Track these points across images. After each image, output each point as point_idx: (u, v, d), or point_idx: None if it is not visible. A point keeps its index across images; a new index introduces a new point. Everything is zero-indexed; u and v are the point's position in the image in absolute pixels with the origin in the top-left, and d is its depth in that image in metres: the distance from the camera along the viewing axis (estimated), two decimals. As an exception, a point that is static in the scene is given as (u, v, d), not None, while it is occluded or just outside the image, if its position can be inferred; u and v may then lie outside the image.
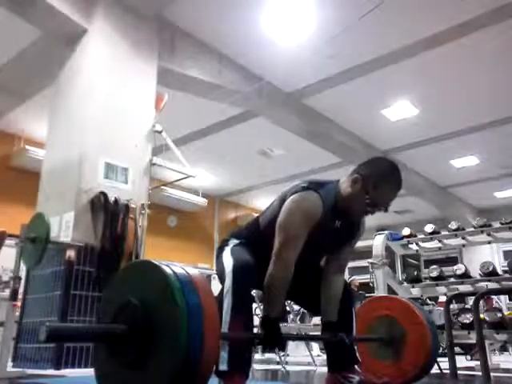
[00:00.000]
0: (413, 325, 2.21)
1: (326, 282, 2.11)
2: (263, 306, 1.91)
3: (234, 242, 2.09)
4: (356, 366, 2.07)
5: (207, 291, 1.33)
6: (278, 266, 1.84)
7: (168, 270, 1.30)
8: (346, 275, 11.58)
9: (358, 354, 2.11)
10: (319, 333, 2.18)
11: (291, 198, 1.92)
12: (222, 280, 1.90)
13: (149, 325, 1.27)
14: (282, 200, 1.97)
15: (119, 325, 1.32)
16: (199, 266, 10.03)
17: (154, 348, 1.25)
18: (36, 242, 3.06)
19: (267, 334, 1.82)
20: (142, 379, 1.28)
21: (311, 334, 2.01)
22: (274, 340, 1.84)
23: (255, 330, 2.23)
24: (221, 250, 2.06)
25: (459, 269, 4.19)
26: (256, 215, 2.23)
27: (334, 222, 1.98)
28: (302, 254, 1.92)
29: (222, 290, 1.86)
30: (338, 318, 2.07)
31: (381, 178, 1.91)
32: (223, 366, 1.75)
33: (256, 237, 2.07)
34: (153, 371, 1.25)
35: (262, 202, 10.73)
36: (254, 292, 3.27)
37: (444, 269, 4.40)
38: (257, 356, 5.58)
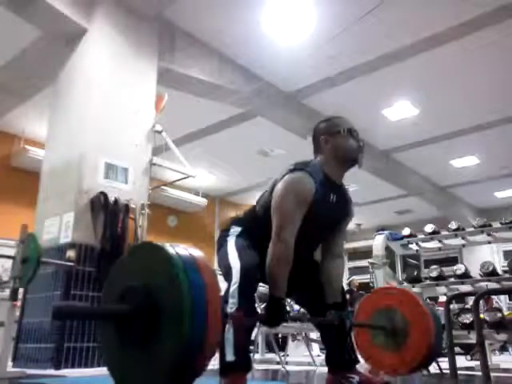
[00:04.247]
0: (417, 316, 2.21)
1: (326, 264, 2.13)
2: (269, 289, 1.91)
3: (235, 229, 2.08)
4: (356, 367, 2.08)
5: (210, 272, 1.33)
6: (277, 247, 1.88)
7: (171, 251, 1.31)
8: (346, 275, 11.55)
9: (357, 354, 2.12)
10: (319, 333, 2.19)
11: (281, 181, 1.97)
12: (226, 275, 1.91)
13: (152, 305, 1.28)
14: (273, 186, 2.02)
15: (123, 305, 1.33)
16: (199, 266, 10.04)
17: (158, 328, 1.26)
18: (27, 262, 3.03)
19: (271, 312, 1.85)
20: (146, 358, 1.29)
21: (313, 318, 2.01)
22: (278, 317, 1.85)
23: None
24: (223, 239, 2.06)
25: (459, 269, 4.18)
26: (253, 204, 2.25)
27: (329, 197, 2.02)
28: (306, 238, 1.96)
29: (228, 288, 1.87)
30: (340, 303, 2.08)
31: (333, 125, 2.11)
32: (229, 357, 1.75)
33: (254, 223, 2.09)
34: (156, 350, 1.26)
35: (262, 202, 10.73)
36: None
37: (444, 269, 4.40)
38: (257, 356, 5.58)
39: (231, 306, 1.79)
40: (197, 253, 1.37)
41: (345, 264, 2.19)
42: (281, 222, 1.90)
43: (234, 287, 1.82)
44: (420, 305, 2.25)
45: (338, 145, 2.05)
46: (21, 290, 3.48)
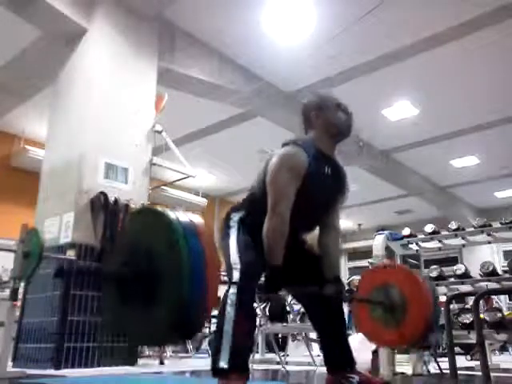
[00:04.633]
0: (415, 292, 2.23)
1: (322, 237, 2.16)
2: (266, 260, 1.91)
3: (235, 217, 2.06)
4: (356, 367, 2.08)
5: (209, 237, 1.38)
6: (273, 220, 1.90)
7: (172, 216, 1.35)
8: (346, 275, 11.55)
9: (353, 355, 2.11)
10: (317, 334, 2.19)
11: (274, 156, 2.01)
12: (227, 272, 1.91)
13: (153, 268, 1.31)
14: (267, 162, 2.05)
15: (125, 268, 1.37)
16: (199, 266, 10.04)
17: (158, 290, 1.30)
18: (29, 257, 3.02)
19: (269, 278, 1.86)
20: (147, 318, 1.32)
21: (312, 291, 2.04)
22: (277, 283, 1.87)
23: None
24: (225, 231, 2.05)
25: (459, 269, 4.18)
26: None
27: (323, 169, 2.04)
28: (305, 214, 1.97)
29: (228, 288, 1.87)
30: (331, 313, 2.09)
31: (322, 100, 2.16)
32: (223, 363, 1.74)
33: (253, 205, 2.08)
34: (156, 311, 1.29)
35: (262, 202, 10.73)
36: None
37: (444, 269, 4.40)
38: (257, 356, 5.58)
39: (229, 309, 1.79)
40: (197, 219, 1.40)
41: (340, 237, 2.23)
42: (275, 196, 1.92)
43: (233, 290, 1.82)
44: (418, 281, 2.28)
45: (328, 119, 2.11)
46: (21, 290, 3.48)
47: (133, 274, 1.34)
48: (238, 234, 2.01)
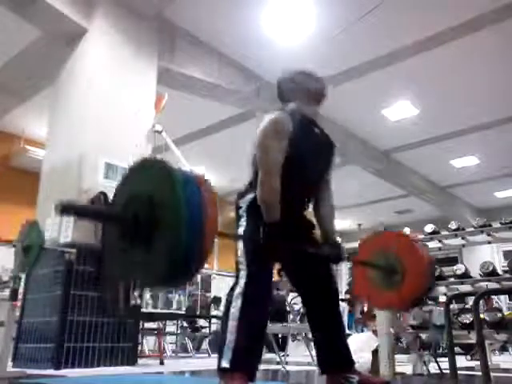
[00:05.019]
0: (412, 258, 2.27)
1: (317, 212, 2.24)
2: (264, 216, 1.93)
3: (244, 206, 2.06)
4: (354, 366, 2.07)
5: (208, 187, 1.42)
6: (263, 177, 1.93)
7: (173, 166, 1.41)
8: (346, 275, 11.52)
9: (352, 356, 2.11)
10: (313, 334, 2.20)
11: (261, 123, 2.07)
12: (236, 268, 1.94)
13: (153, 213, 1.37)
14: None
15: (127, 212, 1.43)
16: (199, 266, 10.01)
17: (157, 233, 1.35)
18: (29, 249, 3.04)
19: (269, 234, 1.86)
20: (146, 261, 1.38)
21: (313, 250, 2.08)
22: (274, 241, 1.86)
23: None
24: (237, 222, 2.07)
25: (459, 269, 4.18)
26: None
27: (312, 129, 2.15)
28: (299, 175, 2.02)
29: (234, 287, 1.88)
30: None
31: (294, 74, 2.28)
32: (225, 363, 1.74)
33: (254, 183, 2.08)
34: (155, 255, 1.35)
35: (262, 202, 10.73)
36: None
37: (444, 269, 4.40)
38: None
39: (233, 310, 1.79)
40: (198, 171, 1.49)
41: (333, 209, 2.28)
42: (262, 155, 1.97)
43: (239, 290, 1.83)
44: (415, 247, 2.32)
45: (305, 87, 2.23)
46: (21, 290, 3.48)
47: (133, 215, 1.40)
48: (246, 225, 2.00)
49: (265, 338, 2.01)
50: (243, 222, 2.02)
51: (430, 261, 2.33)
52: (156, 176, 1.44)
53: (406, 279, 2.22)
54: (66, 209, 1.34)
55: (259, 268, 1.90)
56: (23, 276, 3.77)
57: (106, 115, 4.30)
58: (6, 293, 3.71)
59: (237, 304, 1.81)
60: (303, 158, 2.04)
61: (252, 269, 1.88)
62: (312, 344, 5.90)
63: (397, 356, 3.48)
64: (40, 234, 3.04)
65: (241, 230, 2.00)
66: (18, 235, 3.19)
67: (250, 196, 2.04)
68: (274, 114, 2.07)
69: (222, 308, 8.57)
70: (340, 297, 2.39)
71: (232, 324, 1.79)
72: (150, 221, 1.36)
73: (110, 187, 4.05)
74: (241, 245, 1.96)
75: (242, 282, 1.86)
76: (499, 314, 3.56)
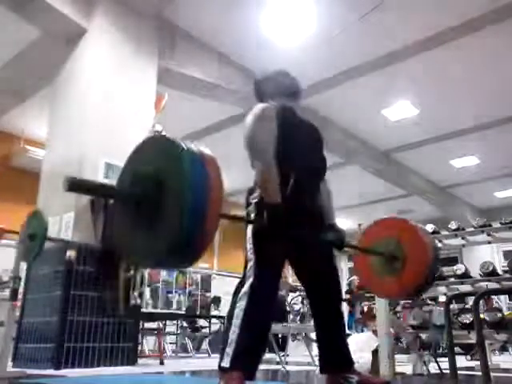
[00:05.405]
0: (415, 244, 2.25)
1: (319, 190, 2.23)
2: (264, 200, 1.94)
3: (253, 202, 2.06)
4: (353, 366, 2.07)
5: (215, 165, 1.44)
6: (258, 164, 1.95)
7: (180, 143, 1.41)
8: (346, 275, 11.55)
9: (351, 356, 2.11)
10: (316, 332, 2.20)
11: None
12: (244, 265, 1.94)
13: (159, 190, 1.37)
14: None
15: (133, 188, 1.43)
16: (200, 266, 10.02)
17: (163, 211, 1.35)
18: (34, 238, 3.06)
19: (270, 218, 1.84)
20: (151, 235, 1.38)
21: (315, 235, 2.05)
22: (277, 222, 1.85)
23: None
24: (246, 217, 2.08)
25: (459, 269, 4.18)
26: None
27: (296, 118, 2.23)
28: (293, 157, 2.03)
29: (239, 286, 1.88)
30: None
31: (269, 76, 2.49)
32: (224, 363, 1.75)
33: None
34: (160, 229, 1.35)
35: (262, 202, 10.73)
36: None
37: (444, 269, 4.40)
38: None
39: (237, 311, 1.79)
40: (205, 149, 1.49)
41: (330, 194, 2.31)
42: (252, 143, 1.99)
43: (243, 291, 1.84)
44: (418, 234, 2.30)
45: (281, 86, 2.37)
46: (21, 290, 3.48)
47: (140, 193, 1.40)
48: (254, 229, 2.01)
49: (267, 339, 2.00)
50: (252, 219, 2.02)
51: (433, 247, 2.32)
52: (163, 153, 1.44)
53: (407, 265, 2.20)
54: (73, 184, 1.34)
55: (267, 267, 1.90)
56: (23, 276, 3.77)
57: (106, 115, 4.30)
58: (6, 293, 3.71)
59: (241, 304, 1.81)
60: (295, 140, 2.07)
61: (260, 268, 1.88)
62: (312, 344, 5.91)
63: (397, 356, 3.49)
64: (43, 223, 3.06)
65: (250, 228, 2.00)
66: (22, 226, 3.20)
67: (258, 192, 2.04)
68: (257, 104, 2.15)
69: (222, 308, 8.56)
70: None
71: (235, 323, 1.79)
72: (154, 201, 1.36)
73: (109, 187, 4.06)
74: (249, 242, 1.96)
75: (248, 281, 1.86)
76: (499, 314, 3.56)
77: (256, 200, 2.03)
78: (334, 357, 2.07)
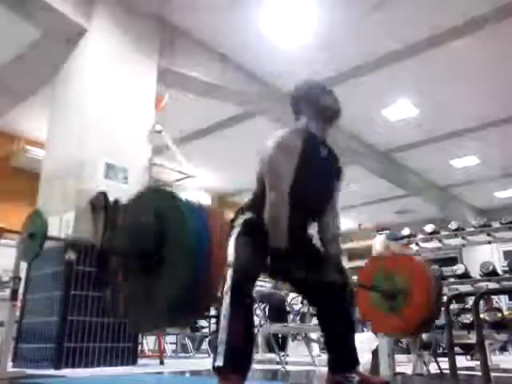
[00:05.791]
0: (417, 279, 2.23)
1: (323, 226, 2.20)
2: (269, 240, 1.89)
3: (240, 220, 2.05)
4: (357, 367, 2.07)
5: (216, 217, 1.41)
6: (272, 198, 1.90)
7: (181, 197, 1.40)
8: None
9: (358, 355, 2.11)
10: (320, 333, 2.19)
11: (268, 142, 2.03)
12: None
13: (159, 245, 1.34)
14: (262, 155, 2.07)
15: (131, 244, 1.41)
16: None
17: (164, 267, 1.33)
18: (33, 237, 3.05)
19: (273, 262, 1.84)
20: (154, 287, 1.35)
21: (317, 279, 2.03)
22: (280, 266, 1.85)
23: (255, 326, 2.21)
24: (229, 232, 2.04)
25: (459, 269, 4.18)
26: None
27: (319, 151, 2.11)
28: (306, 195, 2.00)
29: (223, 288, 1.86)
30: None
31: (310, 88, 2.23)
32: (218, 362, 1.75)
33: (255, 202, 2.07)
34: (164, 282, 1.32)
35: (262, 202, 10.73)
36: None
37: (444, 269, 4.40)
38: (257, 356, 5.58)
39: (224, 309, 1.79)
40: (205, 201, 1.42)
41: (339, 234, 2.26)
42: (272, 175, 1.95)
43: (227, 288, 1.82)
44: (420, 268, 2.27)
45: (318, 104, 2.17)
46: (21, 291, 3.48)
47: (139, 249, 1.37)
48: (237, 235, 2.00)
49: (254, 335, 2.00)
50: (235, 232, 2.01)
51: (435, 281, 2.29)
52: (164, 207, 1.40)
53: (410, 302, 2.18)
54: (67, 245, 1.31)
55: (247, 265, 1.89)
56: (23, 276, 3.77)
57: (106, 115, 4.30)
58: (6, 293, 3.71)
59: (225, 302, 1.81)
60: (307, 179, 2.01)
61: (239, 267, 1.86)
62: (312, 344, 5.91)
63: (397, 356, 3.49)
64: (43, 222, 3.05)
65: (232, 238, 1.99)
66: (23, 225, 3.19)
67: (248, 216, 2.04)
68: (282, 131, 2.05)
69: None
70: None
71: (223, 322, 1.79)
72: (154, 256, 1.32)
73: (110, 187, 4.06)
74: (230, 250, 1.94)
75: (230, 280, 1.85)
76: (499, 314, 3.56)
77: (244, 219, 2.02)
78: (341, 356, 2.07)
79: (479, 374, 2.51)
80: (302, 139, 2.02)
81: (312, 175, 2.03)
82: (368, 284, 2.29)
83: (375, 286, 2.27)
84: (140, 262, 1.36)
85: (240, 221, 2.04)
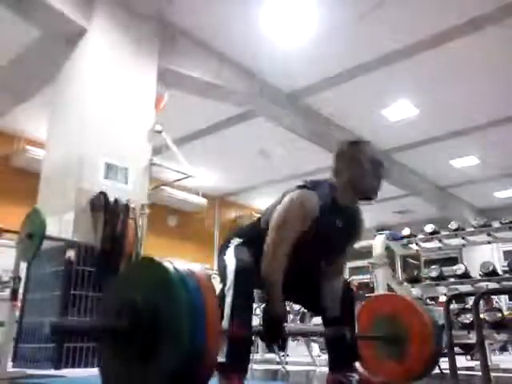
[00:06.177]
0: (416, 323, 2.21)
1: (327, 281, 2.13)
2: (265, 303, 1.92)
3: (236, 241, 2.09)
4: (356, 363, 2.07)
5: (209, 288, 1.32)
6: (269, 259, 1.87)
7: (170, 267, 1.29)
8: (346, 275, 11.54)
9: (359, 351, 2.11)
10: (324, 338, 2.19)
11: (288, 195, 1.98)
12: (223, 278, 1.92)
13: (151, 321, 1.27)
14: (280, 200, 2.02)
15: (121, 321, 1.32)
16: (199, 266, 10.01)
17: (156, 344, 1.25)
18: (32, 237, 3.05)
19: (268, 329, 1.83)
20: (144, 375, 1.27)
21: (313, 331, 2.00)
22: (275, 335, 1.85)
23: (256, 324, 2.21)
24: (224, 248, 2.07)
25: (459, 269, 4.19)
26: (258, 215, 2.26)
27: (335, 222, 2.01)
28: (308, 257, 1.98)
29: (223, 288, 1.87)
30: (340, 316, 2.08)
31: (357, 153, 2.04)
32: (221, 358, 1.76)
33: (257, 236, 2.07)
34: (155, 367, 1.25)
35: (262, 202, 10.73)
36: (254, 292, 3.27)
37: (444, 269, 4.41)
38: (257, 356, 5.58)
39: (225, 306, 1.79)
40: (196, 268, 1.36)
41: (342, 279, 2.21)
42: (278, 237, 1.89)
43: (228, 292, 1.83)
44: (419, 312, 2.25)
45: (357, 177, 2.03)
46: (21, 291, 3.48)
47: (129, 326, 1.29)
48: (235, 246, 2.04)
49: (252, 330, 2.01)
50: (231, 246, 2.05)
51: (433, 323, 2.25)
52: (153, 280, 1.33)
53: (410, 347, 2.15)
54: (56, 331, 1.25)
55: (247, 264, 1.92)
56: (23, 276, 3.77)
57: (106, 115, 4.30)
58: (6, 293, 3.71)
59: (229, 301, 1.81)
60: (314, 244, 1.98)
61: (240, 265, 1.89)
62: (312, 344, 5.90)
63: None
64: (41, 221, 3.05)
65: (230, 250, 2.02)
66: (21, 224, 3.20)
67: (243, 240, 2.07)
68: (303, 192, 1.96)
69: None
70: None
71: (225, 322, 1.80)
72: (147, 334, 1.26)
73: (110, 187, 4.06)
74: (228, 253, 1.99)
75: (230, 280, 1.86)
76: (499, 314, 3.56)
77: (239, 242, 2.06)
78: (340, 356, 2.07)
79: (479, 374, 2.50)
80: (320, 206, 1.94)
81: (316, 244, 1.99)
82: (368, 333, 2.27)
83: (375, 335, 2.25)
84: (130, 342, 1.29)
85: (235, 243, 2.06)
